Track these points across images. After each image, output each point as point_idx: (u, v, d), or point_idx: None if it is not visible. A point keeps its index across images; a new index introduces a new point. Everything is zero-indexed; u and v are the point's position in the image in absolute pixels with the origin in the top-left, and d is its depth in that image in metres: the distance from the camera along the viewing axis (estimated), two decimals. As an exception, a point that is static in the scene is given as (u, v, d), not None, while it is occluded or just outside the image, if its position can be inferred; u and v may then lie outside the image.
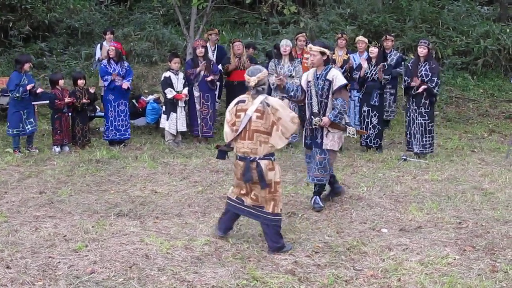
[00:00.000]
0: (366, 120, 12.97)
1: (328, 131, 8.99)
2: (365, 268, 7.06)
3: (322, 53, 8.92)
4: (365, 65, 12.87)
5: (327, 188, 9.65)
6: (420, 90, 12.12)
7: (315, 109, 9.06)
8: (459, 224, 8.55)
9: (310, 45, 9.43)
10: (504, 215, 8.89)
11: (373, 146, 13.06)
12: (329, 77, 8.92)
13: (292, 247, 7.63)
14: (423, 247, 7.64)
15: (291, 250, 7.56)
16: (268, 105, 7.41)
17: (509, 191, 10.13)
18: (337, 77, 8.94)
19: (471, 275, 6.82)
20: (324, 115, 8.99)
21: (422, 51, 12.26)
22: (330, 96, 8.99)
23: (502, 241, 7.81)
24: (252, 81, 7.58)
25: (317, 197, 9.32)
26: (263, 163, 7.47)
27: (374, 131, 12.95)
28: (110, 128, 13.59)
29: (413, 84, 12.17)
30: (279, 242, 7.54)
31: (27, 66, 12.67)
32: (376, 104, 12.96)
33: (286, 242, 7.66)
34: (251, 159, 7.47)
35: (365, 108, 13.01)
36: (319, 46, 9.04)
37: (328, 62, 9.04)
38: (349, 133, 9.09)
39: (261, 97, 7.50)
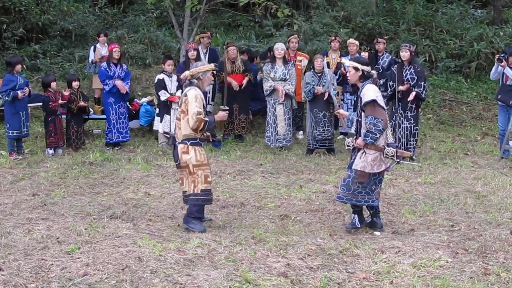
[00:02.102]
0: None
1: (364, 151, 8.22)
2: (358, 271, 7.07)
3: (356, 69, 8.31)
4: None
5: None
6: (411, 98, 12.15)
7: (353, 129, 8.62)
8: (452, 227, 8.56)
9: (343, 60, 9.24)
10: (497, 218, 8.91)
11: None
12: (361, 94, 8.33)
13: (204, 229, 8.37)
14: (416, 250, 7.65)
15: (203, 232, 8.24)
16: (185, 95, 8.30)
17: (502, 194, 10.15)
18: (365, 93, 8.23)
19: (464, 277, 6.82)
20: (360, 134, 8.32)
21: (404, 54, 12.32)
22: (363, 114, 8.33)
23: (495, 244, 7.82)
24: (186, 75, 8.52)
25: (356, 216, 8.56)
26: (179, 147, 8.35)
27: None
28: (113, 131, 13.59)
29: (401, 88, 12.18)
30: (190, 221, 8.42)
31: (18, 67, 12.67)
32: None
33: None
34: (175, 143, 8.48)
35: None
36: (354, 61, 8.50)
37: (365, 77, 8.34)
38: (387, 154, 8.16)
39: (187, 89, 8.34)
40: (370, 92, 8.19)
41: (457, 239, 8.05)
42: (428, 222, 8.77)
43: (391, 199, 9.97)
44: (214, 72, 9.15)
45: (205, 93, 11.38)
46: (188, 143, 8.31)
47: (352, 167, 8.28)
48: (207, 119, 8.29)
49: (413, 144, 12.48)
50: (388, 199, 9.93)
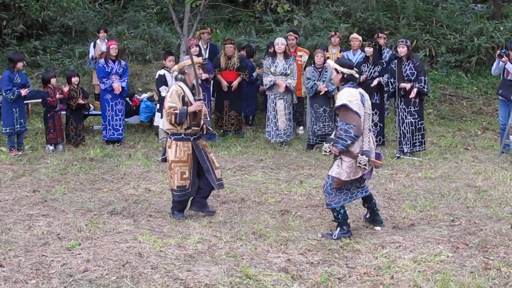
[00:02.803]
0: None
1: (341, 158, 7.91)
2: (358, 266, 7.08)
3: (336, 71, 8.03)
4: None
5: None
6: (413, 95, 12.14)
7: (333, 134, 8.31)
8: (452, 222, 8.56)
9: (329, 61, 9.03)
10: (497, 213, 8.91)
11: (376, 144, 13.04)
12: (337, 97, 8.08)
13: (183, 218, 8.76)
14: (416, 245, 7.65)
15: (181, 220, 8.67)
16: (167, 91, 8.65)
17: (502, 189, 10.14)
18: (339, 97, 7.96)
19: (464, 272, 6.83)
20: None
21: (402, 50, 12.30)
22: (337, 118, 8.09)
23: (495, 239, 7.82)
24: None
25: (338, 228, 8.12)
26: (168, 141, 8.79)
27: (376, 129, 12.94)
28: (108, 128, 13.58)
29: (403, 85, 12.16)
30: (172, 211, 8.93)
31: (19, 65, 12.64)
32: (377, 102, 13.00)
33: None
34: None
35: None
36: (336, 63, 8.19)
37: (345, 80, 7.96)
38: (359, 163, 7.79)
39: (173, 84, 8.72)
40: (343, 96, 7.87)
41: (457, 233, 8.06)
42: (428, 217, 8.77)
43: (391, 194, 9.97)
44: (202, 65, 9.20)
45: (202, 86, 11.51)
46: (172, 138, 8.72)
47: (328, 173, 8.09)
48: (177, 111, 8.45)
49: (418, 139, 12.45)
50: (388, 194, 9.93)
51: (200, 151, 8.77)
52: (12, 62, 12.68)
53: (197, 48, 13.81)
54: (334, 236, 7.96)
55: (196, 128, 8.77)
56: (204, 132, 8.90)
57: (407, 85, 12.17)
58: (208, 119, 9.17)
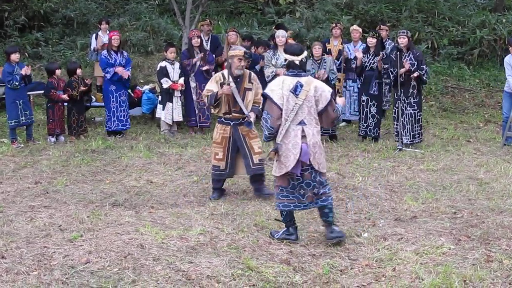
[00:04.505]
0: (366, 109, 12.97)
1: None
2: (360, 258, 7.07)
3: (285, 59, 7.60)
4: (359, 55, 12.86)
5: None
6: (415, 75, 12.09)
7: None
8: (454, 214, 8.55)
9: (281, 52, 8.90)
10: (499, 205, 8.89)
11: (372, 135, 13.05)
12: None
13: (213, 198, 9.30)
14: (418, 237, 7.64)
15: (213, 199, 9.22)
16: None
17: (504, 181, 10.13)
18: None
19: (466, 264, 6.82)
20: None
21: (402, 41, 12.29)
22: None
23: (497, 231, 7.80)
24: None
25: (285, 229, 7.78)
26: None
27: (373, 121, 12.96)
28: (113, 119, 13.57)
29: (402, 71, 12.13)
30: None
31: (14, 56, 12.59)
32: (375, 93, 12.97)
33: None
34: None
35: (364, 98, 13.01)
36: (284, 49, 7.76)
37: (287, 67, 7.53)
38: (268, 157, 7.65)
39: None
40: (270, 84, 7.58)
41: (459, 226, 8.04)
42: (430, 209, 8.76)
43: (393, 186, 9.95)
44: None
45: (202, 76, 12.05)
46: (218, 121, 9.40)
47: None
48: (208, 94, 9.05)
49: (417, 130, 12.45)
50: (390, 186, 9.92)
51: (238, 136, 9.22)
52: (6, 55, 12.75)
53: (199, 40, 13.82)
54: (277, 235, 7.67)
55: (238, 114, 9.17)
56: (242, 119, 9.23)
57: (405, 69, 12.06)
58: (259, 106, 9.24)
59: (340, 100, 7.77)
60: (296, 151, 7.31)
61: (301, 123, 7.31)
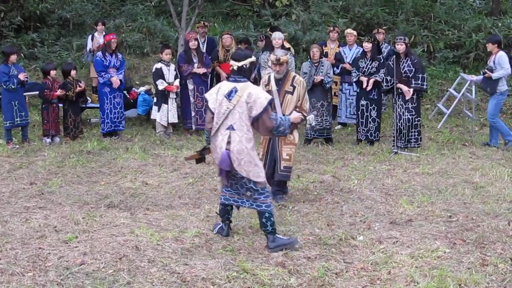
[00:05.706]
0: (366, 113, 12.96)
1: None
2: (355, 261, 7.07)
3: None
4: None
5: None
6: (408, 96, 12.20)
7: None
8: (450, 218, 8.56)
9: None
10: (495, 209, 8.91)
11: (374, 139, 13.05)
12: None
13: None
14: (414, 240, 7.65)
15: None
16: None
17: (500, 185, 10.14)
18: None
19: (461, 268, 6.83)
20: None
21: (400, 47, 12.30)
22: None
23: (492, 235, 7.82)
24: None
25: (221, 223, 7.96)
26: None
27: (374, 125, 12.95)
28: (106, 121, 13.55)
29: (399, 86, 12.17)
30: None
31: (12, 57, 12.58)
32: (375, 97, 12.98)
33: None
34: None
35: (363, 102, 13.00)
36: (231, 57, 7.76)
37: (233, 72, 7.52)
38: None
39: None
40: (211, 89, 7.73)
41: (455, 229, 8.05)
42: (426, 213, 8.77)
43: (389, 189, 9.96)
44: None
45: (200, 79, 12.02)
46: None
47: None
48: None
49: (414, 135, 12.45)
50: (386, 190, 9.92)
51: (274, 139, 9.19)
52: (4, 55, 12.71)
53: (196, 42, 13.81)
54: (214, 230, 7.85)
55: None
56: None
57: (404, 87, 12.17)
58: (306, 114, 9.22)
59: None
60: (219, 156, 7.31)
61: (230, 128, 7.22)
